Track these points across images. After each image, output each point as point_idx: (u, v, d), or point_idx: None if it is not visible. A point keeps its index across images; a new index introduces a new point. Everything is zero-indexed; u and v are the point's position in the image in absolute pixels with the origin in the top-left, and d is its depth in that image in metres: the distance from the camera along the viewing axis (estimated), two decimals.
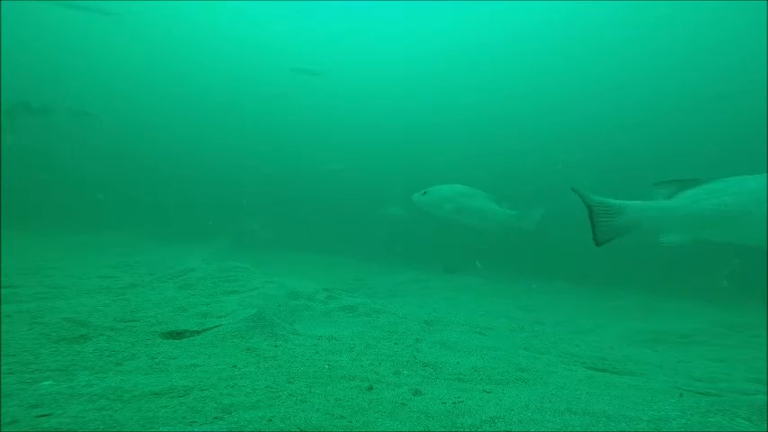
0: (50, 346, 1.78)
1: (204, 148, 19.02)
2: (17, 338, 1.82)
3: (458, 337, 2.53)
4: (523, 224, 3.35)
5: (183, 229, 10.91)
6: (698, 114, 16.58)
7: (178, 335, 2.20)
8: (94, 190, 13.22)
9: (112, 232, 8.92)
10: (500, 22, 19.31)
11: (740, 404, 1.58)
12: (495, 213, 3.38)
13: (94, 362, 1.66)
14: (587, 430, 1.39)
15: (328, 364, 1.91)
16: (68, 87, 18.45)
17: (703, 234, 2.12)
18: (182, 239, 9.44)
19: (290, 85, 18.15)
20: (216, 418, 1.29)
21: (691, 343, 3.75)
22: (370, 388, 1.67)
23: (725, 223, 1.99)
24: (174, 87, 20.87)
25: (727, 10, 15.08)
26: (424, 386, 1.75)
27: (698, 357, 3.12)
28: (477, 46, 19.97)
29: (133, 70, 20.34)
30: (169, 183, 16.34)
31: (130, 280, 3.71)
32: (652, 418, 1.50)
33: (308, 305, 3.04)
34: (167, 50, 20.45)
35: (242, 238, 10.37)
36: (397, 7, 18.92)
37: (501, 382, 1.91)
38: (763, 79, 13.54)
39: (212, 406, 1.36)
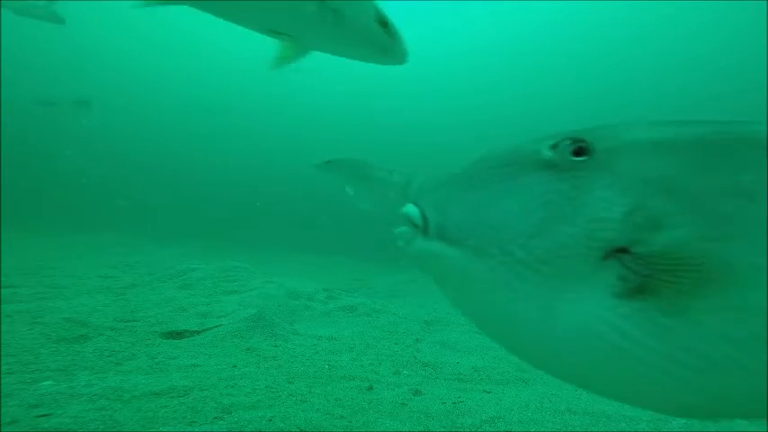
0: (50, 346, 1.78)
1: (204, 149, 19.02)
2: (17, 338, 1.81)
3: (458, 337, 2.53)
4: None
5: (182, 229, 10.91)
6: (698, 114, 16.57)
7: (178, 335, 2.20)
8: (97, 189, 13.23)
9: (112, 232, 8.91)
10: (500, 23, 19.30)
11: None
12: (389, 183, 3.45)
13: (94, 362, 1.66)
14: (587, 430, 1.39)
15: (328, 364, 1.91)
16: (68, 84, 18.45)
17: None
18: (181, 239, 9.44)
19: (298, 84, 18.15)
20: (216, 418, 1.29)
21: None
22: (370, 388, 1.67)
23: None
24: (175, 87, 20.88)
25: (727, 10, 15.07)
26: (424, 386, 1.75)
27: None
28: (478, 47, 19.96)
29: (137, 69, 20.35)
30: (169, 183, 16.35)
31: (130, 280, 3.71)
32: (652, 418, 1.50)
33: (308, 305, 3.04)
34: (170, 51, 20.45)
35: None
36: (396, 8, 18.91)
37: (501, 382, 1.91)
38: (763, 79, 13.54)
39: (212, 406, 1.36)
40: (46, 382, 1.42)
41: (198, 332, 2.24)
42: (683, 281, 0.52)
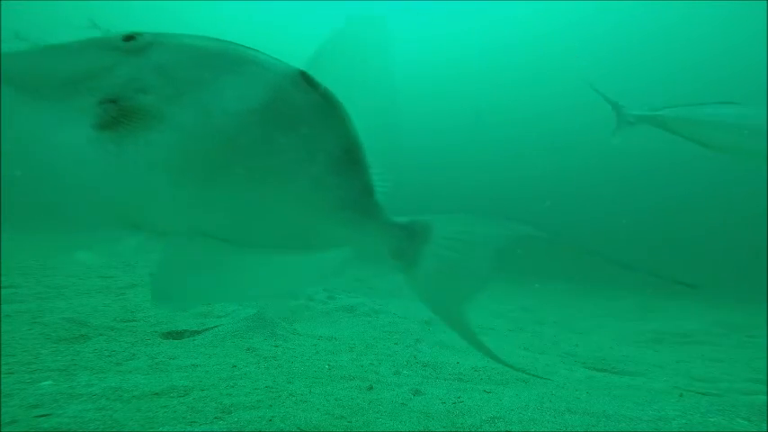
0: (50, 346, 1.78)
1: None
2: (17, 338, 1.81)
3: (458, 337, 2.53)
4: None
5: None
6: None
7: (178, 335, 2.20)
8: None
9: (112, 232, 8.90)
10: (506, 24, 19.31)
11: (740, 404, 1.59)
12: None
13: (94, 362, 1.66)
14: (587, 430, 1.39)
15: (328, 364, 1.92)
16: None
17: None
18: None
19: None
20: (216, 418, 1.29)
21: (691, 343, 3.75)
22: (370, 388, 1.67)
23: None
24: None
25: (727, 11, 15.08)
26: (424, 386, 1.75)
27: (698, 357, 3.12)
28: (485, 49, 19.96)
29: None
30: None
31: (130, 280, 3.71)
32: (652, 417, 1.51)
33: (308, 305, 3.04)
34: None
35: None
36: (402, 10, 18.88)
37: (501, 382, 1.91)
38: (763, 79, 13.55)
39: (212, 406, 1.36)
40: (46, 382, 1.42)
41: (198, 332, 2.24)
42: (134, 124, 0.78)
